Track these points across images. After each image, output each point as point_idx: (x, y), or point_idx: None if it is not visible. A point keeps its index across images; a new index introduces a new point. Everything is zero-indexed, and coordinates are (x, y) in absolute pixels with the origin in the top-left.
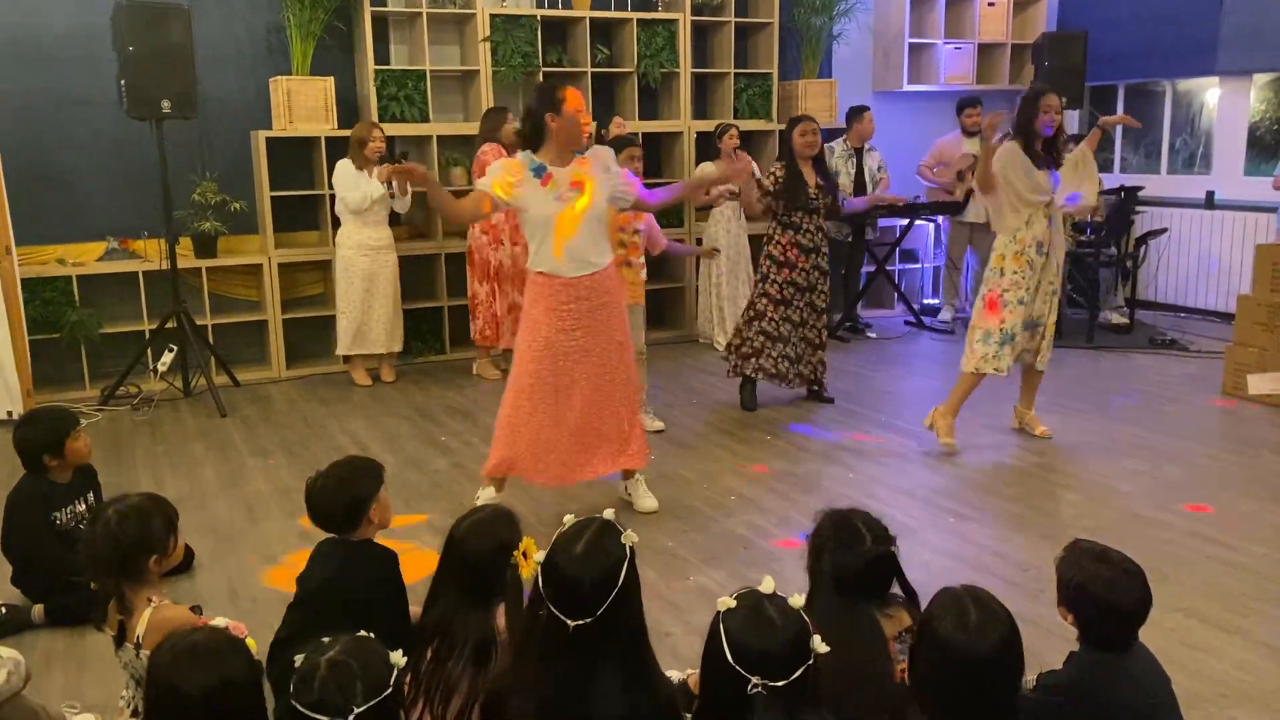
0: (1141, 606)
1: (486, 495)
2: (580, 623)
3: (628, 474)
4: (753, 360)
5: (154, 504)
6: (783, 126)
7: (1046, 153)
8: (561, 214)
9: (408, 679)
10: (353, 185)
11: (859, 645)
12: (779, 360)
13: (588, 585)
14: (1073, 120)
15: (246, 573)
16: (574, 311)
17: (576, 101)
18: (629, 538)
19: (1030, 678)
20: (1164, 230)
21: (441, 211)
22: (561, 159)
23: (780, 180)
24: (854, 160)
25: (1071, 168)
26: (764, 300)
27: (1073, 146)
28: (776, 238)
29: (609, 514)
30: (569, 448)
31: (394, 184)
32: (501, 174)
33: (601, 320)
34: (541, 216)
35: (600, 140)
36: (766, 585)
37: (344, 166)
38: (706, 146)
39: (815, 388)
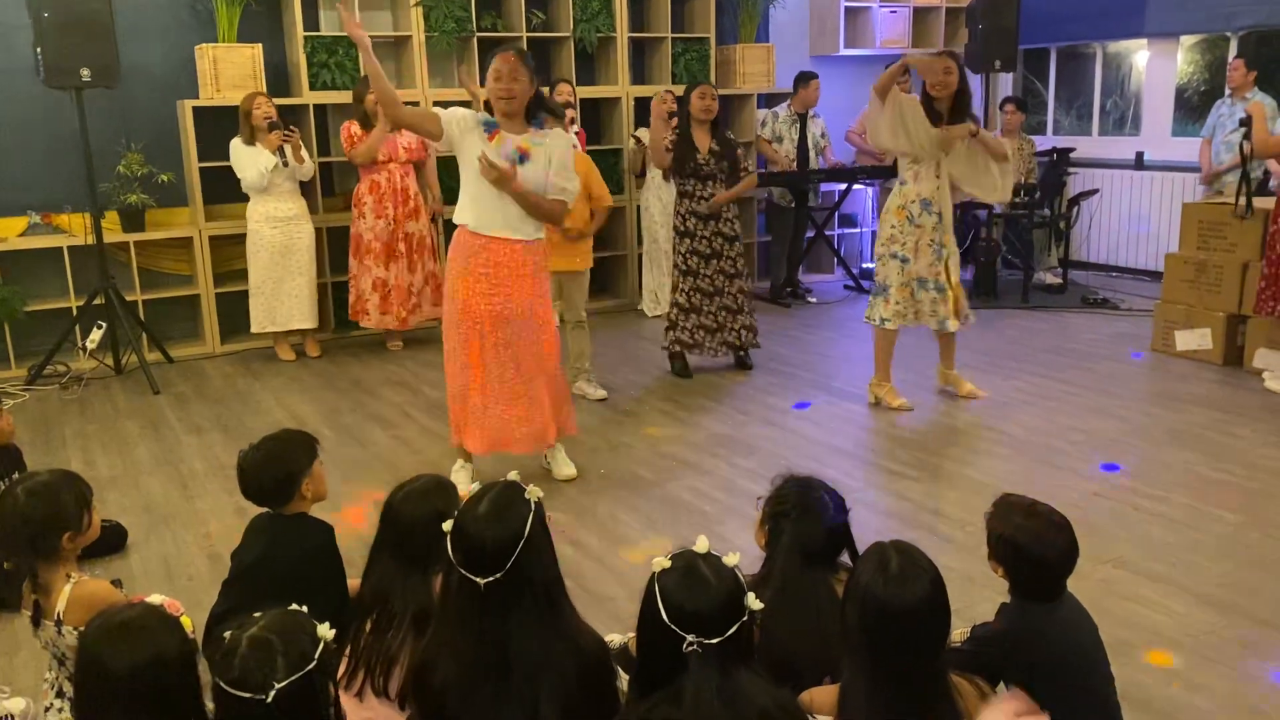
0: (1068, 557)
1: (457, 468)
2: (490, 579)
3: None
4: (670, 332)
5: (64, 480)
6: (723, 91)
7: (952, 115)
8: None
9: (347, 650)
10: (248, 163)
11: (817, 610)
12: (694, 331)
13: (491, 542)
14: (1006, 83)
15: (182, 550)
16: (490, 277)
17: (494, 68)
18: (533, 493)
19: (965, 630)
20: (1095, 191)
21: (382, 101)
22: (512, 126)
23: (670, 145)
24: (798, 126)
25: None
26: (675, 272)
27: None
28: (677, 208)
29: (513, 475)
30: (491, 413)
31: (287, 152)
32: (453, 112)
33: (519, 290)
34: (477, 165)
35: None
36: (701, 545)
37: (235, 146)
38: (644, 112)
39: (741, 354)
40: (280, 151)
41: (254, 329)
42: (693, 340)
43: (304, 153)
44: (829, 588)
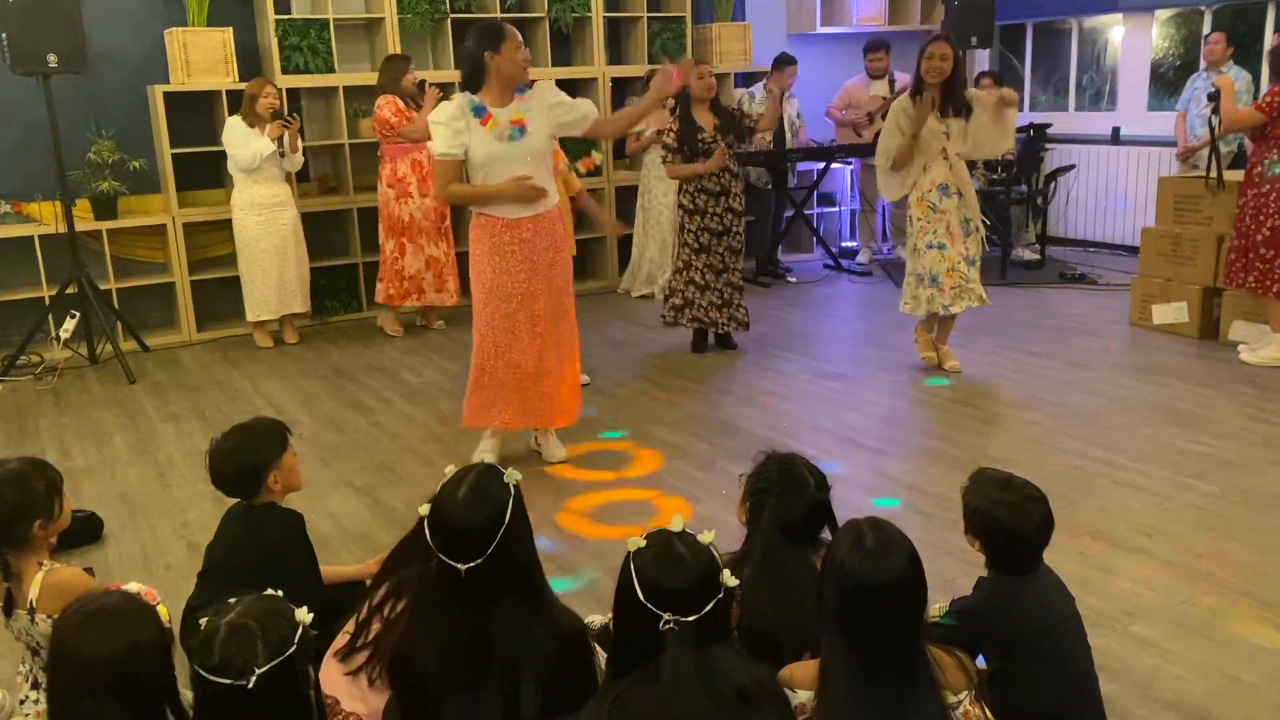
0: (1043, 530)
1: (485, 446)
2: (472, 565)
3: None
4: (686, 311)
5: (34, 467)
6: None
7: (946, 100)
8: (503, 154)
9: (351, 623)
10: (243, 143)
11: (798, 586)
12: (709, 309)
13: (474, 527)
14: (983, 59)
15: (160, 539)
16: (517, 253)
17: (515, 39)
18: (511, 476)
19: (944, 604)
20: (1072, 166)
21: (468, 201)
22: (502, 99)
23: (675, 130)
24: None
25: (991, 118)
26: (686, 251)
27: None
28: (685, 186)
29: (488, 458)
30: (526, 391)
31: (285, 141)
32: (446, 127)
33: (546, 264)
34: (483, 156)
35: None
36: (675, 523)
37: (234, 124)
38: (622, 93)
39: (724, 333)
40: (279, 141)
41: (249, 318)
42: (708, 318)
43: (299, 142)
44: (810, 564)
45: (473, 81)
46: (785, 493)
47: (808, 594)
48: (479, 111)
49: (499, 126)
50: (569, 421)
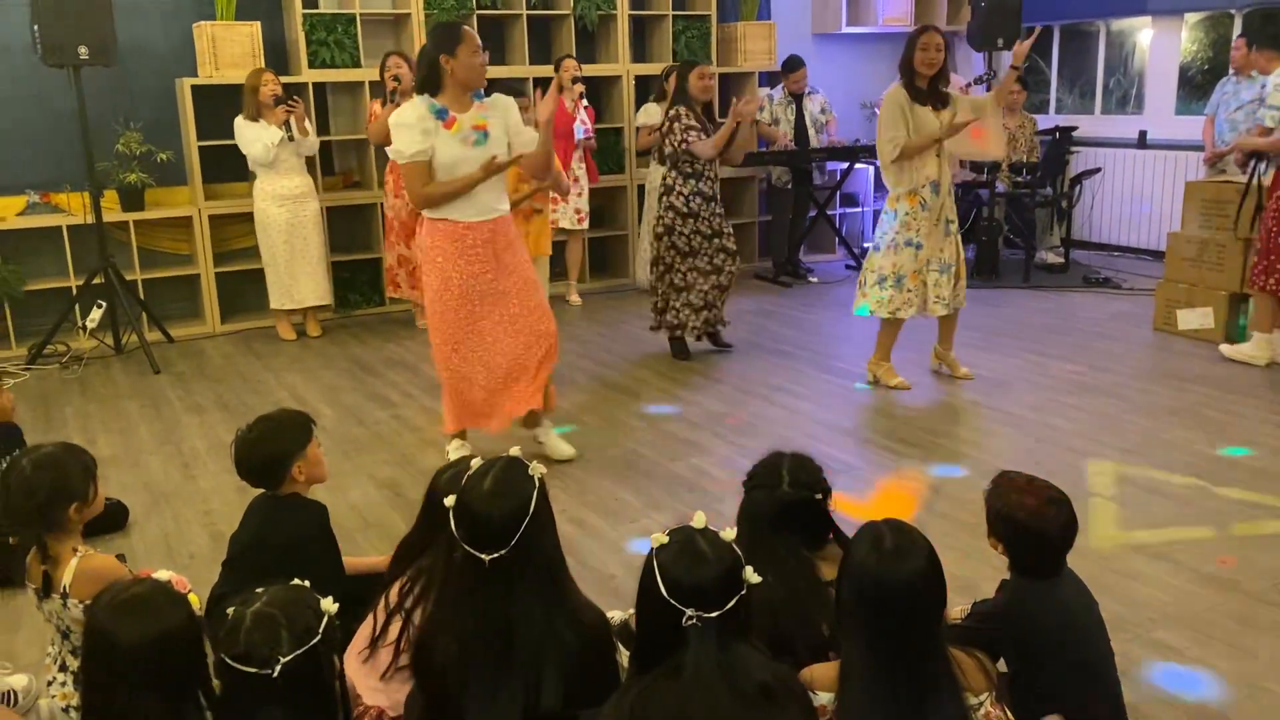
0: (1067, 534)
1: (454, 447)
2: (495, 555)
3: (533, 422)
4: (664, 315)
5: (69, 452)
6: (724, 69)
7: (931, 93)
8: (469, 158)
9: (380, 604)
10: (253, 139)
11: (779, 579)
12: (681, 310)
13: (498, 518)
14: (1006, 61)
15: (183, 528)
16: (482, 255)
17: (473, 43)
18: (536, 469)
19: (966, 606)
20: (1098, 170)
21: (443, 198)
22: (461, 103)
23: (696, 129)
24: (793, 107)
25: (971, 111)
26: (671, 253)
27: (963, 89)
28: (678, 188)
29: (515, 451)
30: (502, 390)
31: (292, 125)
32: (414, 128)
33: (510, 261)
34: (449, 159)
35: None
36: (698, 520)
37: (239, 124)
38: (645, 90)
39: (712, 333)
40: (286, 125)
41: (273, 305)
42: (678, 321)
43: (308, 124)
44: (799, 559)
45: (430, 84)
46: (758, 486)
47: (791, 587)
48: (441, 114)
49: (463, 130)
50: (535, 405)
